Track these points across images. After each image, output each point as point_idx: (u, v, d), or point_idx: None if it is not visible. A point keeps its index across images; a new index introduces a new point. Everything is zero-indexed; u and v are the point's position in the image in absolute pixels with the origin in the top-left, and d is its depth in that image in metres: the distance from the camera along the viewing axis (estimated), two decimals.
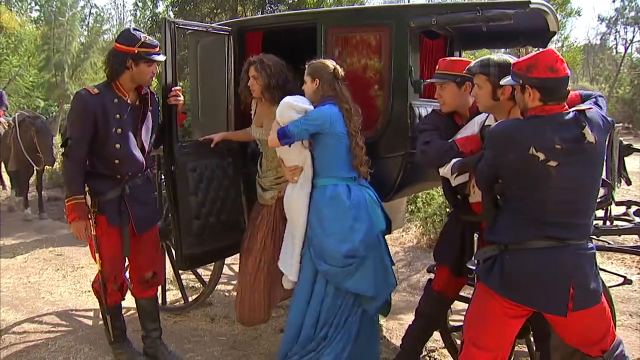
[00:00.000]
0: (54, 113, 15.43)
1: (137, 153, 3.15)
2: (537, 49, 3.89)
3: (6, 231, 7.05)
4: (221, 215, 3.64)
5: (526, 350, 3.10)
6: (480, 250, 2.54)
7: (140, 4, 11.71)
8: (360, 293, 3.08)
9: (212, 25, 3.98)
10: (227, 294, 4.81)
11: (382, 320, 3.80)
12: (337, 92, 3.10)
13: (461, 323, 2.81)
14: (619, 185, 3.46)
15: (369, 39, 3.39)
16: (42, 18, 18.43)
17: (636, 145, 3.74)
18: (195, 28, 3.83)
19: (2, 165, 8.63)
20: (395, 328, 4.02)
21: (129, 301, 3.48)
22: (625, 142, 3.54)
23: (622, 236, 5.09)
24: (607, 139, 2.50)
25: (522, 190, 2.24)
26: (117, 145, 3.05)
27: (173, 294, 4.66)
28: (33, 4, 24.15)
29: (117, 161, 3.08)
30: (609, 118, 2.35)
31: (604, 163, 2.42)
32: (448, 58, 3.23)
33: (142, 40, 3.04)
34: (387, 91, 3.33)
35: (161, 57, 3.16)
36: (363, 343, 3.15)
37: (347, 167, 3.12)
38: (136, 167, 3.16)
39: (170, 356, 3.44)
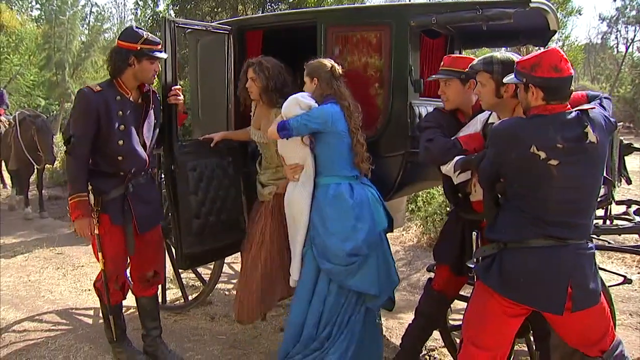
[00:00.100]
0: (55, 112, 15.46)
1: (140, 149, 3.15)
2: (538, 48, 3.89)
3: (7, 230, 7.06)
4: (221, 214, 3.64)
5: (526, 349, 3.10)
6: (479, 248, 2.54)
7: (141, 3, 11.70)
8: (363, 291, 3.09)
9: (212, 24, 3.97)
10: (227, 293, 4.82)
11: (382, 319, 3.79)
12: (335, 91, 3.11)
13: (461, 322, 2.81)
14: (619, 184, 3.46)
15: (369, 38, 3.38)
16: (43, 17, 18.43)
17: (637, 145, 3.74)
18: (195, 27, 3.83)
19: (3, 164, 8.64)
20: (395, 327, 4.02)
21: (128, 300, 3.48)
22: (625, 141, 3.54)
23: (623, 235, 5.08)
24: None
25: (524, 189, 2.24)
26: (120, 142, 3.06)
27: (173, 293, 4.67)
28: (34, 3, 24.16)
29: (120, 158, 3.08)
30: (612, 119, 2.35)
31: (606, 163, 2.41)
32: (453, 55, 3.23)
33: (145, 37, 3.06)
34: (387, 90, 3.32)
35: (163, 55, 3.17)
36: (367, 342, 3.15)
37: (349, 165, 3.13)
38: (139, 163, 3.16)
39: (170, 355, 3.44)
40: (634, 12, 28.52)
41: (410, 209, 6.81)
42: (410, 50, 3.27)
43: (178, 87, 3.39)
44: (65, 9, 15.65)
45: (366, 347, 3.15)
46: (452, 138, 2.78)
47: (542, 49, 2.42)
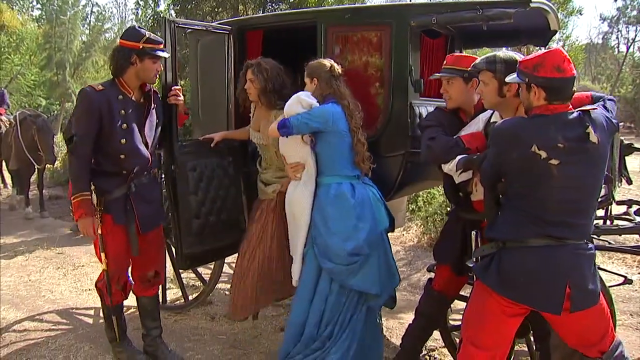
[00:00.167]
0: (56, 112, 15.47)
1: (143, 148, 3.15)
2: (539, 48, 3.89)
3: (7, 229, 7.07)
4: (221, 214, 3.64)
5: (526, 349, 3.09)
6: (478, 248, 2.54)
7: (141, 3, 11.69)
8: (364, 290, 3.09)
9: (212, 24, 3.97)
10: (227, 292, 4.81)
11: (383, 319, 3.79)
12: (335, 90, 3.12)
13: (461, 322, 2.81)
14: (619, 184, 3.45)
15: (369, 38, 3.38)
16: (44, 16, 18.45)
17: (637, 145, 3.73)
18: (196, 27, 3.83)
19: (4, 163, 8.65)
20: (395, 327, 4.02)
21: (129, 299, 3.48)
22: (626, 142, 3.53)
23: (623, 235, 5.08)
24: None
25: (524, 189, 2.24)
26: (123, 141, 3.06)
27: (173, 293, 4.67)
28: (35, 3, 24.17)
29: (122, 156, 3.08)
30: (614, 120, 2.34)
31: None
32: (456, 54, 3.23)
33: (147, 36, 3.07)
34: (387, 90, 3.32)
35: (165, 54, 3.18)
36: (368, 342, 3.16)
37: (350, 165, 3.13)
38: (142, 162, 3.16)
39: (170, 355, 3.44)
40: (634, 12, 28.50)
41: (410, 209, 6.81)
42: (411, 50, 3.26)
43: (178, 87, 3.39)
44: (66, 9, 15.64)
45: (367, 347, 3.15)
46: (454, 137, 2.78)
47: (542, 49, 2.42)
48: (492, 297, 2.29)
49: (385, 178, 3.34)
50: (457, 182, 2.89)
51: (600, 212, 3.58)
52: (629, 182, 3.56)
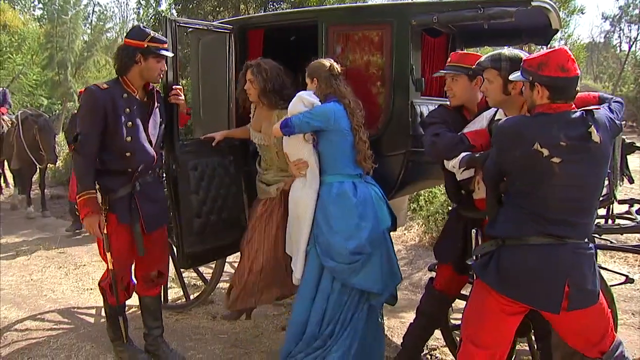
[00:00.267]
0: (57, 111, 15.49)
1: (148, 146, 3.16)
2: (540, 47, 3.88)
3: (9, 229, 7.08)
4: (222, 213, 3.64)
5: (527, 348, 3.09)
6: (478, 246, 2.54)
7: (143, 2, 11.69)
8: (366, 289, 3.10)
9: (214, 23, 3.97)
10: None
11: (384, 319, 3.80)
12: (335, 90, 3.13)
13: None
14: (621, 183, 3.44)
15: (370, 37, 3.38)
16: (45, 16, 18.46)
17: (639, 144, 3.72)
18: (197, 26, 3.83)
19: (5, 163, 8.66)
20: (396, 326, 4.02)
21: (130, 298, 3.48)
22: (628, 140, 3.52)
23: (625, 235, 5.07)
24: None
25: (526, 187, 2.24)
26: (128, 138, 3.06)
27: (175, 292, 4.67)
28: (36, 2, 24.21)
29: (128, 154, 3.08)
30: (617, 121, 2.34)
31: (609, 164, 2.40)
32: (460, 51, 3.23)
33: (152, 35, 3.08)
34: (389, 89, 3.32)
35: (169, 53, 3.19)
36: (369, 340, 3.16)
37: (353, 163, 3.14)
38: (147, 159, 3.16)
39: (171, 354, 3.44)
40: (637, 11, 28.47)
41: (412, 208, 6.81)
42: (412, 49, 3.26)
43: (179, 86, 3.39)
44: (67, 9, 15.64)
45: (369, 346, 3.15)
46: (459, 134, 2.77)
47: (545, 48, 2.42)
48: (492, 296, 2.29)
49: (387, 177, 3.34)
50: (459, 179, 2.88)
51: (602, 211, 3.58)
52: (631, 181, 3.55)
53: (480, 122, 2.83)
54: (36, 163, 7.59)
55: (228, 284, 4.91)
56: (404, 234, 6.58)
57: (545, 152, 2.13)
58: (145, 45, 3.05)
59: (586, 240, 2.26)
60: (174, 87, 3.35)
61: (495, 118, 2.73)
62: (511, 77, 2.38)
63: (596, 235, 3.34)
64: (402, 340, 3.33)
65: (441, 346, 3.60)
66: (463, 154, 2.65)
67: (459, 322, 3.42)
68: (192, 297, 4.42)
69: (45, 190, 8.16)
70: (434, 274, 3.30)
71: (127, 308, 3.53)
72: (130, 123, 3.06)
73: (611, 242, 3.69)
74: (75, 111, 7.34)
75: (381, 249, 3.13)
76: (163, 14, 9.88)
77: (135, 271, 3.40)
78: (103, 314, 4.23)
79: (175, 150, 3.41)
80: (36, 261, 5.78)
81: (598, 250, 3.74)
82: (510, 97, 2.58)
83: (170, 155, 3.42)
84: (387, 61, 3.31)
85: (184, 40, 6.87)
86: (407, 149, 3.29)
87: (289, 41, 4.07)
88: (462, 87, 2.93)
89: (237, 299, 3.53)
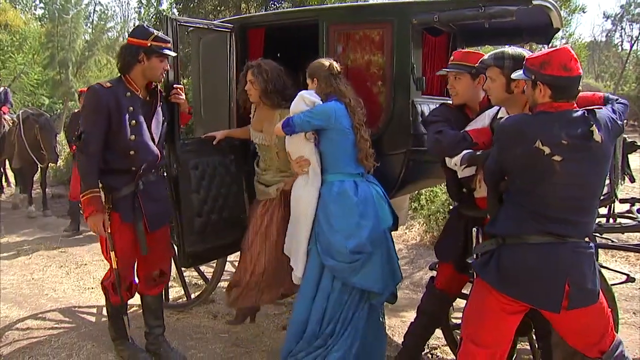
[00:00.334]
0: (59, 110, 15.49)
1: (152, 144, 3.16)
2: (542, 46, 3.87)
3: (10, 228, 7.09)
4: (223, 212, 3.64)
5: (528, 348, 3.09)
6: (479, 244, 2.54)
7: (144, 2, 11.69)
8: (367, 288, 3.10)
9: (214, 22, 3.97)
10: None
11: (385, 318, 3.80)
12: (335, 89, 3.13)
13: None
14: (622, 182, 3.44)
15: (371, 36, 3.37)
16: (47, 15, 18.44)
17: None
18: (197, 25, 3.83)
19: (7, 162, 8.67)
20: (397, 325, 4.02)
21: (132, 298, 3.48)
22: (629, 140, 3.52)
23: (626, 234, 5.07)
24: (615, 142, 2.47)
25: (527, 185, 2.24)
26: (132, 137, 3.06)
27: (176, 291, 4.68)
28: (37, 2, 24.16)
29: (132, 152, 3.08)
30: (619, 122, 2.34)
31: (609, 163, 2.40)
32: (463, 50, 3.22)
33: (155, 34, 3.08)
34: (389, 88, 3.32)
35: (172, 53, 3.19)
36: (370, 340, 3.16)
37: (354, 162, 3.14)
38: (151, 158, 3.16)
39: (172, 353, 3.44)
40: (638, 10, 28.44)
41: (413, 207, 6.81)
42: (413, 48, 3.26)
43: (180, 85, 3.39)
44: (68, 8, 15.64)
45: (369, 345, 3.15)
46: (462, 131, 2.77)
47: (546, 47, 2.42)
48: (492, 295, 2.29)
49: (388, 176, 3.33)
50: (460, 177, 2.88)
51: (603, 210, 3.58)
52: (632, 180, 3.55)
53: (482, 121, 2.83)
54: (37, 162, 7.60)
55: (227, 282, 4.94)
56: (405, 233, 6.59)
57: (547, 150, 2.14)
58: (149, 45, 3.05)
59: (586, 239, 2.25)
60: (174, 86, 3.34)
61: (498, 116, 2.73)
62: (513, 75, 2.38)
63: (597, 234, 3.34)
64: (403, 339, 3.33)
65: (442, 345, 3.61)
66: (465, 151, 2.65)
67: (459, 321, 3.42)
68: (193, 296, 4.42)
69: (47, 190, 8.17)
70: (434, 273, 3.30)
71: (128, 307, 3.53)
72: (133, 122, 3.07)
73: (612, 241, 3.69)
74: (76, 110, 7.34)
75: (382, 248, 3.13)
76: (164, 13, 9.88)
77: (137, 270, 3.40)
78: (104, 312, 4.25)
79: (176, 149, 3.41)
80: (37, 260, 5.79)
81: (599, 249, 3.75)
82: (512, 96, 2.58)
83: (171, 154, 3.42)
84: (388, 60, 3.30)
85: (185, 39, 6.88)
86: (408, 148, 3.29)
87: (290, 40, 4.07)
88: (465, 86, 2.93)
89: (239, 297, 3.54)
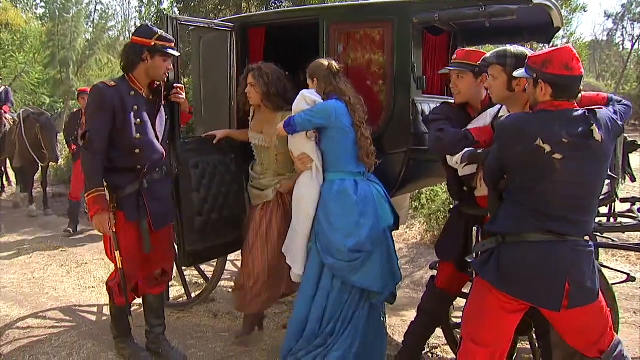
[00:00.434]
0: (59, 110, 15.50)
1: (156, 142, 3.17)
2: (543, 45, 3.87)
3: (11, 227, 7.10)
4: (223, 211, 3.64)
5: (529, 347, 3.09)
6: (478, 243, 2.54)
7: (145, 1, 11.70)
8: (366, 288, 3.10)
9: (215, 21, 3.97)
10: (229, 290, 4.81)
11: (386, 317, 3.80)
12: (334, 87, 3.14)
13: None
14: (623, 182, 3.44)
15: (371, 35, 3.37)
16: (47, 15, 18.44)
17: None
18: (198, 24, 3.83)
19: (7, 161, 8.68)
20: (397, 324, 4.02)
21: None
22: (630, 139, 3.52)
23: (627, 233, 5.06)
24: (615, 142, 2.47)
25: (527, 183, 2.24)
26: (137, 135, 3.07)
27: (176, 290, 4.68)
28: (38, 1, 24.19)
29: (137, 151, 3.08)
30: (619, 122, 2.34)
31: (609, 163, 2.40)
32: (466, 49, 3.22)
33: (159, 34, 3.08)
34: (390, 87, 3.32)
35: (176, 52, 3.19)
36: (370, 339, 3.17)
37: (355, 161, 3.15)
38: (156, 156, 3.17)
39: (173, 352, 3.44)
40: (639, 9, 28.37)
41: (413, 206, 6.81)
42: (413, 47, 3.26)
43: (180, 85, 3.39)
44: (69, 7, 15.64)
45: (370, 344, 3.16)
46: (463, 130, 2.76)
47: (547, 46, 2.42)
48: (492, 293, 2.29)
49: (388, 175, 3.34)
50: (460, 175, 2.88)
51: (604, 210, 3.57)
52: (633, 179, 3.55)
53: (484, 119, 2.83)
54: (38, 161, 7.61)
55: (229, 282, 4.94)
56: (406, 232, 6.58)
57: (547, 148, 2.14)
58: (153, 44, 3.06)
59: (586, 238, 2.25)
60: (175, 85, 3.34)
61: (499, 115, 2.73)
62: (515, 73, 2.39)
63: (598, 234, 3.33)
64: (403, 339, 3.33)
65: (442, 344, 3.60)
66: (466, 149, 2.64)
67: (460, 320, 3.42)
68: (193, 295, 4.43)
69: (47, 189, 8.17)
70: (435, 272, 3.30)
71: (131, 306, 3.53)
72: (138, 120, 3.07)
73: (613, 241, 3.68)
74: (75, 110, 7.33)
75: (382, 247, 3.13)
76: (165, 12, 9.88)
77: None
78: (104, 311, 4.27)
79: (177, 148, 3.41)
80: (38, 259, 5.79)
81: (600, 249, 3.75)
82: (513, 94, 2.57)
83: (171, 153, 3.42)
84: (389, 59, 3.30)
85: (186, 38, 6.88)
86: (409, 147, 3.29)
87: (291, 39, 4.07)
88: (468, 85, 2.93)
89: (246, 303, 3.55)
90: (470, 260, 2.47)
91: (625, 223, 3.47)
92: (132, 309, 3.89)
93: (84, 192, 3.12)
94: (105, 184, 3.05)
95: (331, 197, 3.12)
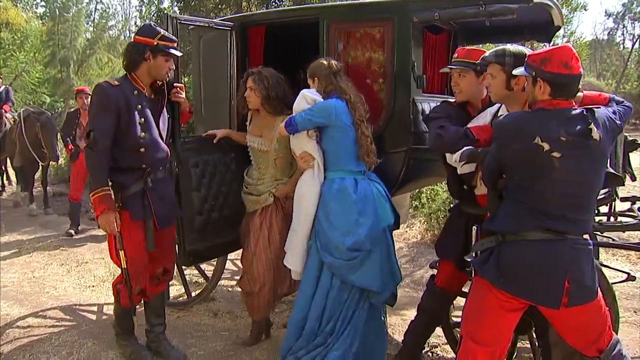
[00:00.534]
0: (60, 109, 15.48)
1: (161, 141, 3.17)
2: (544, 44, 3.86)
3: (11, 226, 7.10)
4: (224, 210, 3.64)
5: (529, 346, 3.09)
6: (478, 242, 2.54)
7: (145, 0, 11.72)
8: (365, 287, 3.10)
9: (215, 20, 3.97)
10: (230, 289, 4.82)
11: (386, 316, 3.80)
12: (335, 86, 3.14)
13: None
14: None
15: (371, 34, 3.37)
16: (48, 14, 18.44)
17: None
18: (198, 23, 3.83)
19: (8, 160, 8.67)
20: (397, 324, 4.01)
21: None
22: (630, 138, 3.52)
23: (627, 232, 5.06)
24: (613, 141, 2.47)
25: (526, 181, 2.25)
26: (142, 134, 3.07)
27: (176, 289, 4.68)
28: (38, 0, 24.19)
29: (142, 149, 3.08)
30: (618, 121, 2.34)
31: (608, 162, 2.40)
32: (467, 47, 3.21)
33: (162, 33, 3.09)
34: (390, 86, 3.31)
35: (178, 53, 3.19)
36: (371, 338, 3.16)
37: (355, 160, 3.15)
38: (161, 154, 3.17)
39: (173, 351, 3.44)
40: None
41: (414, 205, 6.81)
42: (413, 45, 3.25)
43: (180, 84, 3.39)
44: (69, 6, 15.62)
45: (370, 344, 3.16)
46: (464, 128, 2.76)
47: (547, 45, 2.42)
48: (491, 292, 2.29)
49: (388, 174, 3.33)
50: (459, 173, 2.88)
51: (604, 209, 3.57)
52: (633, 178, 3.55)
53: (483, 118, 2.83)
54: (38, 160, 7.60)
55: (229, 281, 4.94)
56: (406, 231, 6.58)
57: (546, 146, 2.14)
58: (155, 43, 3.06)
59: (585, 236, 2.25)
60: (175, 84, 3.34)
61: (499, 114, 2.73)
62: (515, 71, 2.40)
63: (598, 233, 3.33)
64: (403, 338, 3.33)
65: (442, 343, 3.60)
66: (465, 147, 2.64)
67: (460, 319, 3.43)
68: (193, 294, 4.43)
69: (48, 188, 8.16)
70: (435, 271, 3.29)
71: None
72: (143, 119, 3.07)
73: (613, 240, 3.68)
74: (72, 110, 7.32)
75: (381, 246, 3.12)
76: (165, 11, 9.89)
77: None
78: (105, 310, 4.28)
79: (177, 147, 3.40)
80: (38, 258, 5.79)
81: (600, 248, 3.74)
82: (512, 93, 2.57)
83: (172, 152, 3.42)
84: (389, 58, 3.30)
85: (186, 37, 6.88)
86: (409, 146, 3.29)
87: (291, 38, 4.07)
88: (469, 83, 2.92)
89: (258, 307, 3.57)
90: (469, 259, 2.46)
91: (625, 222, 3.47)
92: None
93: (89, 192, 3.11)
94: (110, 183, 3.05)
95: (331, 196, 3.12)
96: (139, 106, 3.07)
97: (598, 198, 2.69)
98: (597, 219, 3.38)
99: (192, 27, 4.19)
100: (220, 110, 3.96)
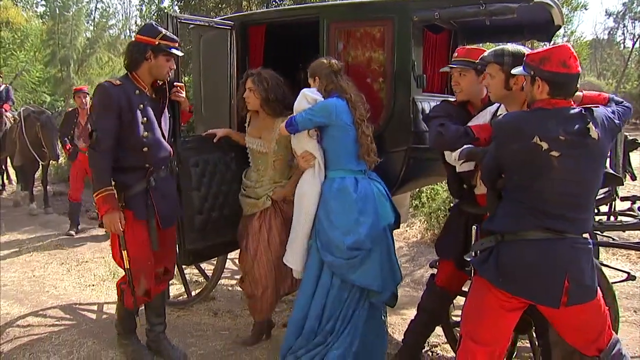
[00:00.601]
0: (60, 108, 15.47)
1: (163, 141, 3.17)
2: (544, 44, 3.86)
3: (11, 225, 7.10)
4: (224, 209, 3.64)
5: (529, 345, 3.09)
6: (477, 241, 2.54)
7: None
8: (365, 286, 3.10)
9: (215, 19, 3.97)
10: (230, 288, 4.82)
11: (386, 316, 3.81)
12: (336, 85, 3.14)
13: None
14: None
15: (372, 33, 3.37)
16: (48, 13, 18.44)
17: None
18: (198, 22, 3.83)
19: (8, 160, 8.67)
20: (397, 323, 4.01)
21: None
22: (630, 137, 3.52)
23: (627, 232, 5.06)
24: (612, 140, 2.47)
25: (525, 181, 2.25)
26: (145, 134, 3.06)
27: (176, 289, 4.68)
28: None
29: (145, 149, 3.07)
30: (616, 121, 2.34)
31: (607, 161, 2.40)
32: (467, 46, 3.21)
33: (164, 33, 3.08)
34: (390, 86, 3.31)
35: (180, 52, 3.18)
36: (371, 338, 3.17)
37: (355, 159, 3.15)
38: (164, 154, 3.17)
39: (173, 350, 3.44)
40: None
41: (414, 205, 6.81)
42: (413, 45, 3.25)
43: (180, 83, 3.39)
44: (69, 5, 15.62)
45: (370, 343, 3.16)
46: (464, 126, 2.76)
47: (547, 45, 2.42)
48: (491, 292, 2.29)
49: (388, 173, 3.34)
50: (458, 171, 2.88)
51: (605, 208, 3.57)
52: (633, 178, 3.55)
53: (483, 117, 2.84)
54: (39, 160, 7.60)
55: (229, 280, 4.95)
56: (406, 230, 6.58)
57: (545, 145, 2.14)
58: (157, 43, 3.05)
59: (585, 235, 2.25)
60: (175, 84, 3.34)
61: (498, 113, 2.73)
62: (513, 71, 2.40)
63: (598, 232, 3.33)
64: (403, 337, 3.33)
65: (442, 343, 3.60)
66: (464, 146, 2.64)
67: (460, 318, 3.43)
68: (193, 293, 4.43)
69: (48, 187, 8.16)
70: (435, 270, 3.29)
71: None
72: (145, 119, 3.07)
73: (613, 239, 3.68)
74: (69, 109, 7.31)
75: (381, 245, 3.12)
76: (165, 11, 9.88)
77: None
78: (105, 310, 4.28)
79: (177, 147, 3.40)
80: (38, 257, 5.79)
81: (600, 247, 3.74)
82: (511, 93, 2.57)
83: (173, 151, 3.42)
84: (389, 57, 3.30)
85: (186, 36, 6.87)
86: (409, 145, 3.29)
87: (291, 38, 4.07)
88: (470, 82, 2.92)
89: (260, 309, 3.59)
90: (469, 259, 2.46)
91: (625, 221, 3.47)
92: None
93: (89, 191, 3.10)
94: (112, 183, 3.05)
95: (331, 195, 3.12)
96: (141, 105, 3.06)
97: (598, 197, 2.69)
98: (597, 218, 3.38)
99: (192, 26, 4.19)
100: (220, 109, 3.96)
